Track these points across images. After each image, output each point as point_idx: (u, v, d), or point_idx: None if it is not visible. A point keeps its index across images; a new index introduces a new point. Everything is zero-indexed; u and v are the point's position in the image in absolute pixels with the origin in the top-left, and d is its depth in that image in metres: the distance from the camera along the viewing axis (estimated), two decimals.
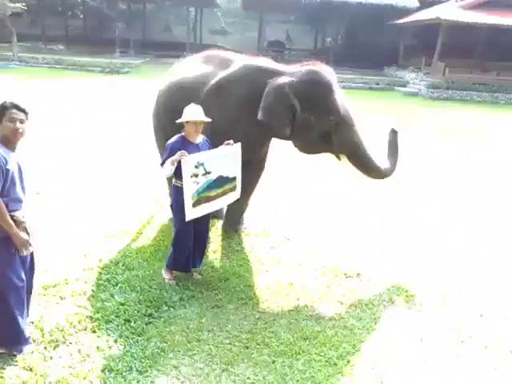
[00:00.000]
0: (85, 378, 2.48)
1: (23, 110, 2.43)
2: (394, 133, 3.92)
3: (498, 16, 17.43)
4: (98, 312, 3.05)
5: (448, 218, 5.19)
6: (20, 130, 2.41)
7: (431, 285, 3.74)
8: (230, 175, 3.50)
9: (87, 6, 25.43)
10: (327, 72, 3.61)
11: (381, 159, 3.81)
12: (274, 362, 2.74)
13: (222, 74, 3.82)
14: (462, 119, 12.71)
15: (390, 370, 2.75)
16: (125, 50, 22.16)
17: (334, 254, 4.17)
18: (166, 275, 3.54)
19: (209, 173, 3.27)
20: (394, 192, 5.90)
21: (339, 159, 3.86)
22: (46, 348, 2.69)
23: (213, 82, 3.81)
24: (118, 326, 2.94)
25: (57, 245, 3.92)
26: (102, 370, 2.55)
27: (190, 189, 3.19)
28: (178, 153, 3.10)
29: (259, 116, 3.53)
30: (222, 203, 3.66)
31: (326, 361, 2.78)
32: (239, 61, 3.92)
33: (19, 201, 2.47)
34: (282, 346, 2.87)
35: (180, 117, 3.31)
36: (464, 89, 17.52)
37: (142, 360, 2.65)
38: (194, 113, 3.26)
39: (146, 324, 3.00)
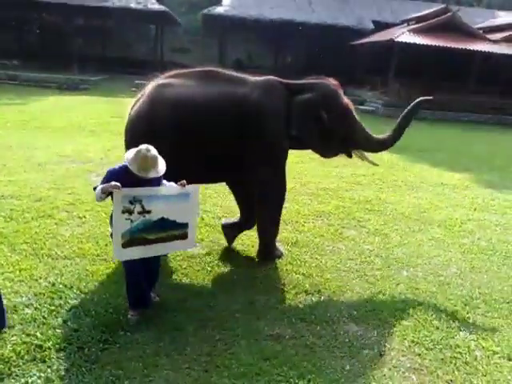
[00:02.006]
0: None
1: None
2: (417, 104, 4.23)
3: (444, 40, 18.47)
4: (48, 340, 2.90)
5: (405, 231, 5.33)
6: None
7: (389, 299, 3.81)
8: (179, 220, 3.11)
9: (44, 21, 24.88)
10: (334, 82, 4.09)
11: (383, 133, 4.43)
12: None
13: (254, 94, 3.83)
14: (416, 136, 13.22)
15: None
16: (83, 66, 21.75)
17: (294, 271, 4.18)
18: (130, 312, 3.25)
19: (147, 212, 2.91)
20: (352, 207, 6.02)
21: (350, 156, 4.37)
22: None
23: (248, 101, 3.79)
24: (70, 354, 2.80)
25: (5, 268, 3.72)
26: None
27: (120, 226, 2.84)
28: (112, 183, 2.76)
29: (293, 132, 3.87)
30: (165, 250, 3.30)
31: (287, 381, 2.75)
32: (250, 79, 3.99)
33: None
34: (242, 368, 2.82)
35: (196, 135, 3.65)
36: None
37: None
38: (150, 164, 2.87)
39: (101, 351, 2.88)
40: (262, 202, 4.10)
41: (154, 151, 2.83)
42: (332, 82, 4.09)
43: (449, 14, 19.48)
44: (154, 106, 3.69)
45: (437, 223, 5.73)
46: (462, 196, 7.15)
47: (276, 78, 4.09)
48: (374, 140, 4.27)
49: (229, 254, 4.42)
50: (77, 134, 9.67)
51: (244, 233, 4.68)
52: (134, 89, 18.28)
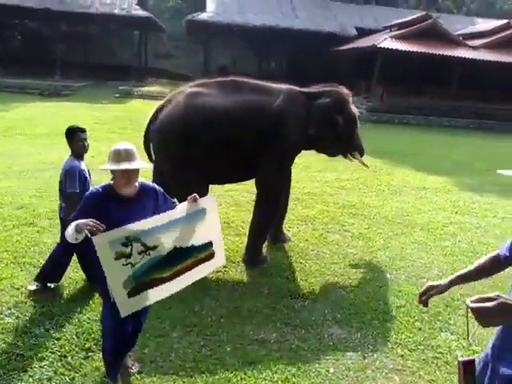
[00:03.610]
0: None
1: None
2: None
3: (426, 46, 18.83)
4: (30, 349, 2.87)
5: (388, 234, 5.40)
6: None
7: (372, 302, 3.85)
8: (199, 242, 2.53)
9: (26, 26, 24.59)
10: (346, 91, 4.50)
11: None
12: None
13: (279, 103, 4.13)
14: (399, 141, 13.42)
15: None
16: (66, 72, 21.55)
17: (279, 275, 4.20)
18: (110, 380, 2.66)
19: (152, 248, 2.28)
20: (337, 211, 6.08)
21: (346, 157, 4.80)
22: None
23: (273, 110, 4.09)
24: (52, 363, 2.78)
25: None
26: None
27: (116, 275, 2.19)
28: (88, 222, 2.09)
29: (311, 131, 4.21)
30: (191, 279, 2.57)
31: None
32: (273, 88, 4.29)
33: None
34: (228, 373, 2.83)
35: (225, 141, 3.89)
36: (401, 112, 18.57)
37: None
38: (123, 157, 2.29)
39: (84, 359, 2.86)
40: (263, 202, 4.36)
41: (129, 146, 2.37)
42: (344, 90, 4.50)
43: (430, 20, 19.86)
44: (188, 113, 3.95)
45: (419, 226, 5.82)
46: (443, 199, 7.27)
47: (295, 87, 4.43)
48: (362, 146, 4.88)
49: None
50: (60, 140, 9.53)
51: (228, 238, 4.69)
52: (117, 95, 18.26)
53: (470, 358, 1.53)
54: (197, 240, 2.52)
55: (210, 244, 2.61)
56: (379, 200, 6.90)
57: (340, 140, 4.51)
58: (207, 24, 23.01)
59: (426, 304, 1.87)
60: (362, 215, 6.09)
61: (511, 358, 1.62)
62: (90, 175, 3.70)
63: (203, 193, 2.92)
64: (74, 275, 3.85)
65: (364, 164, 4.98)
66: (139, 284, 2.27)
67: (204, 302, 3.63)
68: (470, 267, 1.92)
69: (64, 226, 3.07)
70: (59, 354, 2.86)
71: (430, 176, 8.90)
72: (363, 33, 23.51)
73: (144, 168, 2.37)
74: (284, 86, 4.38)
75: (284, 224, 5.08)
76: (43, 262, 3.69)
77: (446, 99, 19.37)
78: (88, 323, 3.19)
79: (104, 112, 13.92)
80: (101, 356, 2.86)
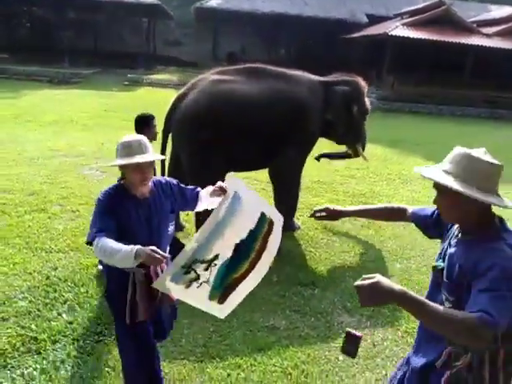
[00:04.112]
0: None
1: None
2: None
3: (438, 33, 18.50)
4: (43, 332, 2.91)
5: (398, 224, 5.37)
6: None
7: None
8: (254, 223, 2.20)
9: (34, 14, 24.56)
10: (362, 81, 4.63)
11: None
12: (229, 375, 2.72)
13: (298, 90, 4.23)
14: (410, 130, 13.30)
15: (344, 377, 2.79)
16: (75, 59, 21.54)
17: (289, 263, 4.20)
18: None
19: (215, 258, 2.04)
20: (346, 200, 6.05)
21: (353, 152, 4.93)
22: None
23: (293, 97, 4.17)
24: (65, 346, 2.82)
25: (0, 262, 3.71)
26: None
27: (199, 299, 2.03)
28: (151, 254, 1.82)
29: (328, 116, 4.36)
30: (270, 256, 2.33)
31: (282, 371, 2.78)
32: (293, 75, 4.38)
33: None
34: (237, 359, 2.85)
35: (248, 128, 3.93)
36: (412, 101, 18.35)
37: (91, 381, 2.56)
38: (135, 150, 2.04)
39: (96, 342, 2.89)
40: (283, 189, 4.50)
41: (140, 137, 2.15)
42: (362, 81, 4.63)
43: (442, 7, 19.47)
44: (215, 100, 3.96)
45: None
46: None
47: (311, 74, 4.55)
48: (365, 140, 5.01)
49: None
50: (69, 127, 9.60)
51: None
52: (126, 82, 18.24)
53: (358, 334, 1.61)
54: (250, 223, 2.21)
55: (262, 216, 2.27)
56: (390, 189, 6.85)
57: (352, 128, 4.60)
58: (216, 11, 22.82)
59: (316, 217, 2.10)
60: (372, 204, 6.05)
61: (424, 351, 1.68)
62: None
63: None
64: (84, 261, 3.88)
65: (364, 157, 5.06)
66: (224, 290, 2.11)
67: None
68: (376, 206, 2.10)
69: None
70: (71, 337, 2.90)
71: None
72: (374, 20, 23.14)
73: (158, 159, 2.13)
74: (301, 73, 4.44)
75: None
76: None
77: (457, 88, 19.06)
78: (99, 308, 3.22)
79: (113, 99, 13.93)
80: (112, 339, 2.90)
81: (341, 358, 2.95)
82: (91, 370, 2.62)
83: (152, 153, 2.09)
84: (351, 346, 1.61)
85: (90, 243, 1.99)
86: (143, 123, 3.66)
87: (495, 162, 1.49)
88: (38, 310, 3.15)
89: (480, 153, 1.51)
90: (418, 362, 1.69)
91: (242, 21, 24.13)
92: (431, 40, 18.30)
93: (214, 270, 2.03)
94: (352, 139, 4.82)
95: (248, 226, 2.18)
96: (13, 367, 2.60)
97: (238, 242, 2.13)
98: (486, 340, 1.32)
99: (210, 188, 2.22)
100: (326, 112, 4.37)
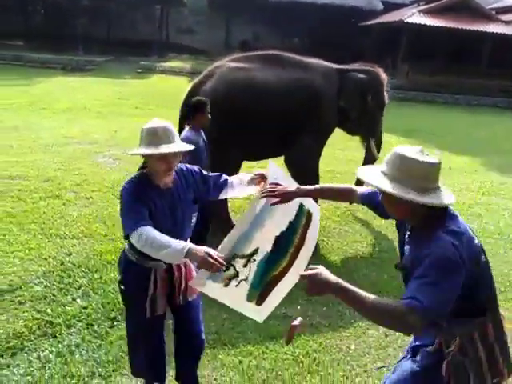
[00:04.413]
0: None
1: None
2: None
3: (456, 21, 18.10)
4: (58, 317, 2.95)
5: None
6: None
7: (394, 281, 3.82)
8: (293, 214, 2.08)
9: (48, 1, 24.57)
10: (382, 72, 4.59)
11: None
12: (240, 362, 2.74)
13: (315, 79, 4.21)
14: (425, 120, 13.10)
15: (356, 366, 2.79)
16: (88, 47, 21.59)
17: None
18: None
19: (255, 252, 1.92)
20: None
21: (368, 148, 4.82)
22: (2, 356, 2.58)
23: (310, 85, 4.15)
24: (79, 330, 2.86)
25: (14, 247, 3.77)
26: (63, 377, 2.47)
27: (236, 300, 1.93)
28: (208, 259, 1.70)
29: (341, 103, 4.30)
30: (308, 251, 2.16)
31: (293, 359, 2.79)
32: (310, 63, 4.34)
33: None
34: (249, 346, 2.87)
35: (266, 115, 3.81)
36: (427, 90, 18.05)
37: (106, 365, 2.59)
38: (161, 138, 1.88)
39: (110, 327, 2.93)
40: (303, 170, 4.32)
41: (166, 123, 1.95)
42: (382, 73, 4.59)
43: None
44: (233, 88, 3.94)
45: None
46: (470, 180, 7.10)
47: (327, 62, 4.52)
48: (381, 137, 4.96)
49: None
50: (82, 115, 9.65)
51: None
52: (139, 70, 18.23)
53: (295, 322, 1.67)
54: (289, 214, 2.08)
55: (300, 207, 2.11)
56: None
57: (364, 118, 4.49)
58: None
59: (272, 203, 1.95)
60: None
61: (420, 338, 1.74)
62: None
63: (238, 171, 2.87)
64: (98, 247, 3.92)
65: (374, 154, 4.82)
66: (263, 289, 1.99)
67: None
68: (330, 186, 2.10)
69: None
70: (86, 322, 2.94)
71: (456, 155, 8.68)
72: (389, 7, 22.70)
73: (185, 150, 1.94)
74: (318, 61, 4.41)
75: None
76: None
77: (474, 77, 18.69)
78: (113, 294, 3.25)
79: (126, 87, 13.95)
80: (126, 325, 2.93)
81: (352, 347, 2.96)
82: (105, 354, 2.66)
83: (178, 141, 1.96)
84: (288, 333, 1.69)
85: (126, 236, 1.87)
86: (198, 109, 3.56)
87: (430, 160, 1.47)
88: (53, 295, 3.20)
89: (414, 152, 1.48)
90: (415, 345, 1.77)
91: (256, 9, 23.87)
92: (448, 27, 17.93)
93: (254, 267, 1.92)
94: (365, 131, 4.74)
95: (288, 217, 2.05)
96: (29, 350, 2.65)
97: (278, 234, 2.00)
98: (414, 326, 1.34)
99: (245, 175, 2.17)
100: (340, 99, 4.33)
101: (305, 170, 4.32)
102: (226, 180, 2.18)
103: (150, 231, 1.77)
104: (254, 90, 3.95)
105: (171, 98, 11.11)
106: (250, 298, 1.95)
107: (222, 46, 23.47)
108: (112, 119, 9.34)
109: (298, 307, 2.93)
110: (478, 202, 6.03)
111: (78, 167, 6.01)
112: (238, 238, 1.86)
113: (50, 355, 2.62)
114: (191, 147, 1.97)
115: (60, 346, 2.70)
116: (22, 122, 8.30)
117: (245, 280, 1.90)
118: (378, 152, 4.92)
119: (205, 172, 2.19)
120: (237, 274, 1.86)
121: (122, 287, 2.12)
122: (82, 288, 3.31)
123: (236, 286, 1.87)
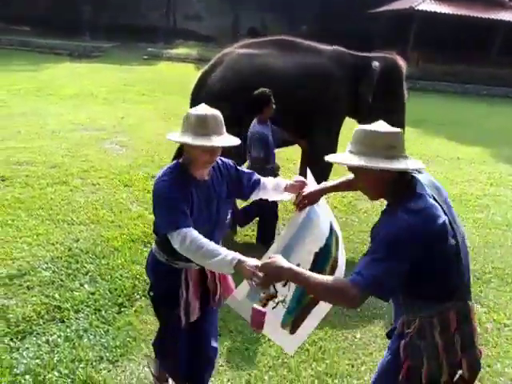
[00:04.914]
0: (53, 369, 2.43)
1: None
2: None
3: (468, 8, 17.79)
4: (66, 302, 2.98)
5: None
6: None
7: None
8: (327, 230, 1.97)
9: None
10: (401, 60, 4.47)
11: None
12: (247, 349, 2.76)
13: (329, 65, 4.17)
14: (433, 109, 12.95)
15: (361, 354, 2.80)
16: (95, 33, 21.49)
17: None
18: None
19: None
20: None
21: None
22: (11, 339, 2.61)
23: (324, 72, 4.13)
24: (87, 315, 2.89)
25: (23, 232, 3.79)
26: (72, 361, 2.50)
27: (272, 320, 1.77)
28: (255, 272, 1.58)
29: (360, 89, 4.20)
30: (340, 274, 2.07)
31: (299, 347, 2.80)
32: (323, 50, 4.30)
33: None
34: (256, 334, 2.88)
35: (279, 102, 3.59)
36: (437, 79, 17.82)
37: (113, 349, 2.62)
38: (211, 128, 1.71)
39: (117, 313, 2.95)
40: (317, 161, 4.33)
41: (216, 111, 1.76)
42: (400, 61, 4.47)
43: None
44: (246, 75, 3.90)
45: (452, 197, 5.63)
46: (478, 170, 7.04)
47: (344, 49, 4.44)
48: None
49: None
50: (89, 101, 9.64)
51: None
52: (145, 57, 18.15)
53: (263, 309, 1.64)
54: (324, 230, 1.95)
55: (330, 225, 1.99)
56: None
57: (375, 108, 4.30)
58: None
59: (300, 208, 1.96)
60: None
61: (395, 321, 1.71)
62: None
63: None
64: (105, 234, 3.94)
65: None
66: (297, 315, 1.89)
67: None
68: (340, 179, 2.11)
69: None
70: (94, 307, 2.97)
71: (464, 146, 8.60)
72: None
73: (236, 144, 1.78)
74: (334, 48, 4.34)
75: None
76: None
77: (484, 66, 18.42)
78: (120, 280, 3.28)
79: (133, 74, 13.90)
80: (133, 311, 2.96)
81: (358, 335, 2.97)
82: (113, 339, 2.69)
83: (226, 134, 1.79)
84: (259, 323, 1.63)
85: (158, 233, 1.78)
86: (265, 102, 3.51)
87: (392, 129, 1.51)
88: (61, 280, 3.22)
89: (376, 126, 1.53)
90: (390, 330, 1.77)
91: None
92: (459, 15, 17.63)
93: (292, 286, 1.80)
94: (388, 120, 4.65)
95: (325, 233, 1.93)
96: (38, 334, 2.68)
97: (317, 250, 1.90)
98: (353, 299, 1.38)
99: (282, 181, 2.06)
100: (354, 86, 4.23)
101: (319, 156, 4.25)
102: (259, 180, 2.05)
103: (195, 235, 1.65)
104: (268, 76, 3.88)
105: (178, 86, 11.09)
106: (284, 325, 1.86)
107: (229, 32, 23.25)
108: (118, 106, 9.32)
109: None
110: (486, 193, 5.98)
111: (85, 153, 6.02)
112: (280, 252, 1.73)
113: (59, 339, 2.65)
114: (239, 141, 1.80)
115: (68, 330, 2.73)
116: (30, 108, 8.31)
117: (282, 302, 1.81)
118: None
119: (240, 168, 2.04)
120: (275, 294, 1.71)
121: (152, 293, 2.00)
122: (90, 274, 3.33)
123: (273, 308, 1.77)
